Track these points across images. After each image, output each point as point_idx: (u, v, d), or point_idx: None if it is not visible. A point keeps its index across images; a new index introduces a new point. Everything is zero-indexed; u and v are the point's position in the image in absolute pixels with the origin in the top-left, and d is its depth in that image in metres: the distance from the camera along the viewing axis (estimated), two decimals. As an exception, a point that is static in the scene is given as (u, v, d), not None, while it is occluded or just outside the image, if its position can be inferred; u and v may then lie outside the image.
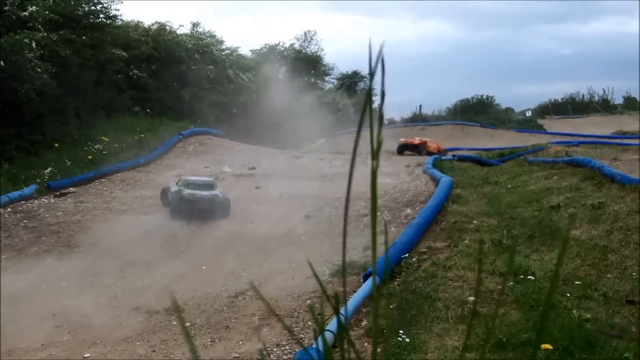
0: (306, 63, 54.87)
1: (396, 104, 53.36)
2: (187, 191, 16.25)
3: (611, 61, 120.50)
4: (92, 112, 26.98)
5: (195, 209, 15.96)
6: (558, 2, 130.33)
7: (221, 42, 41.25)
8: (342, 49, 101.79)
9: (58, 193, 18.14)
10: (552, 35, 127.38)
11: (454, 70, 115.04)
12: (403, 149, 34.88)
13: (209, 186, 17.00)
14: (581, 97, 63.55)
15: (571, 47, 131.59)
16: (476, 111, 58.21)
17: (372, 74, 1.01)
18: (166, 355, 7.70)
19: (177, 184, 17.26)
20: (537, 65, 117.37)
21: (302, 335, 7.75)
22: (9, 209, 15.96)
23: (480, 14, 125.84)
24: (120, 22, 30.58)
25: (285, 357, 7.18)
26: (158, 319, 9.01)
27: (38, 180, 18.83)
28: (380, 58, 1.01)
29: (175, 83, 34.31)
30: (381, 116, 0.97)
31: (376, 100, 1.07)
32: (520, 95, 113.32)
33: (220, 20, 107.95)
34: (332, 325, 5.13)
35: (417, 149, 33.93)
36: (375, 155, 0.99)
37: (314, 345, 6.13)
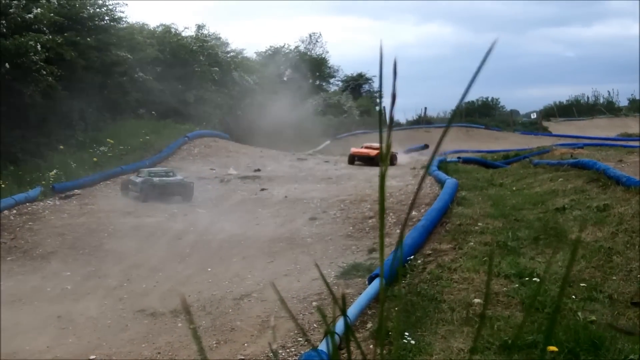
0: (311, 65, 54.89)
1: (401, 106, 53.31)
2: (156, 178, 18.56)
3: (615, 64, 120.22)
4: (97, 114, 27.07)
5: (166, 192, 18.33)
6: (560, 5, 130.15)
7: (226, 44, 41.38)
8: (344, 51, 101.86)
9: (63, 195, 18.23)
10: (555, 39, 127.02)
11: (457, 73, 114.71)
12: (354, 159, 29.59)
13: (171, 173, 19.37)
14: (586, 99, 63.69)
15: (575, 50, 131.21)
16: (481, 113, 58.26)
17: (381, 76, 1.02)
18: (171, 358, 7.71)
19: (138, 175, 19.21)
20: (541, 68, 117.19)
21: (308, 337, 7.75)
22: (14, 211, 16.04)
23: (482, 17, 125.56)
24: (125, 25, 30.71)
25: (290, 359, 7.17)
26: (163, 321, 9.02)
27: (43, 182, 18.91)
28: (394, 62, 1.02)
29: (180, 85, 34.38)
30: (391, 119, 0.98)
31: (383, 103, 1.07)
32: (524, 97, 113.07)
33: (225, 23, 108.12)
34: (337, 326, 5.13)
35: (373, 161, 28.08)
36: (384, 158, 1.00)
37: (320, 347, 6.13)
